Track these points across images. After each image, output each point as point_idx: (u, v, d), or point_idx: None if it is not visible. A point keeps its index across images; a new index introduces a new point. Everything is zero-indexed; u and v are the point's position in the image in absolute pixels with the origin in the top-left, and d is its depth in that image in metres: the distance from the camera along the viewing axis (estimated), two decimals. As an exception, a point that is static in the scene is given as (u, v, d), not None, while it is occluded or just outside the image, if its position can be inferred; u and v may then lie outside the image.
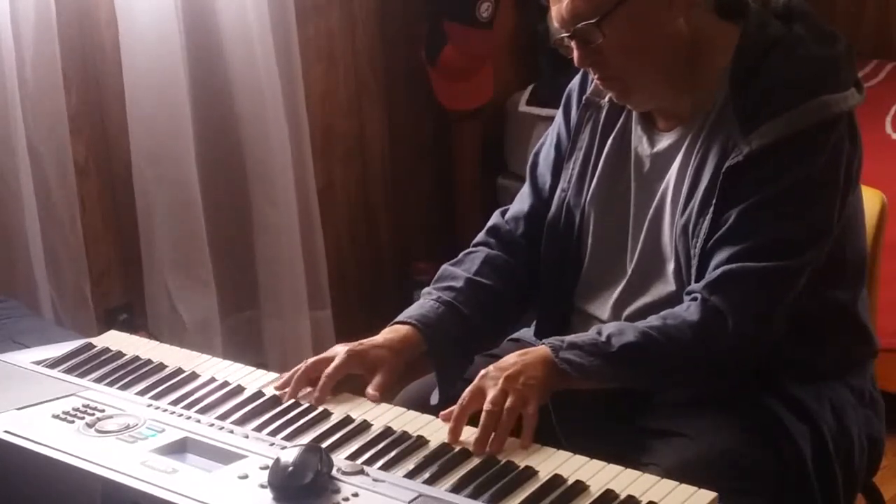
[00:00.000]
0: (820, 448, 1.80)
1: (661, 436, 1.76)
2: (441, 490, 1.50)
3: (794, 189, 1.74)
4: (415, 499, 1.48)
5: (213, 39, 3.22)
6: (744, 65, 1.78)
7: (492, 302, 1.97)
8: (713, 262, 1.76)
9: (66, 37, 2.99)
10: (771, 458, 1.76)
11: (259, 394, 1.78)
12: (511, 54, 4.07)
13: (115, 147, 3.18)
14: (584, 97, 1.97)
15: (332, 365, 1.79)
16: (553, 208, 1.98)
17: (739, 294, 1.73)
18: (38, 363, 1.93)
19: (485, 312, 1.95)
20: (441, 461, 1.57)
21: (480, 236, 2.06)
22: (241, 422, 1.70)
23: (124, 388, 1.83)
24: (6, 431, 1.67)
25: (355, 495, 1.49)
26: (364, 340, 1.84)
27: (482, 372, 1.70)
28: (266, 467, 1.53)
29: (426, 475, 1.54)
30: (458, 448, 1.60)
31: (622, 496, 1.48)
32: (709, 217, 1.76)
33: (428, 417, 1.69)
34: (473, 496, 1.48)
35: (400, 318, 1.90)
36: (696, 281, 1.78)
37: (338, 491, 1.49)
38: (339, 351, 1.81)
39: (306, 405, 1.74)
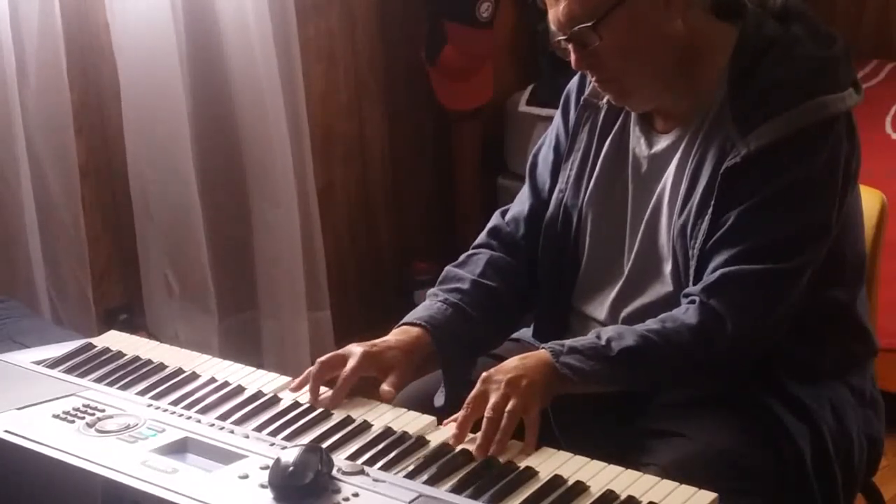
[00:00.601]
0: (820, 448, 1.80)
1: (661, 436, 1.76)
2: (441, 490, 1.50)
3: (792, 189, 1.74)
4: (415, 499, 1.48)
5: (213, 39, 3.22)
6: (741, 65, 1.78)
7: (496, 304, 1.97)
8: (711, 264, 1.76)
9: (68, 38, 2.99)
10: (771, 458, 1.76)
11: (259, 394, 1.78)
12: (511, 54, 4.07)
13: (116, 147, 3.18)
14: (582, 98, 1.97)
15: (349, 366, 1.78)
16: (551, 209, 1.99)
17: (738, 296, 1.73)
18: (38, 363, 1.93)
19: (490, 314, 1.95)
20: (441, 461, 1.57)
21: (482, 238, 2.06)
22: (242, 422, 1.70)
23: (124, 388, 1.83)
24: (6, 431, 1.67)
25: (355, 495, 1.49)
26: (377, 341, 1.83)
27: (483, 375, 1.70)
28: (266, 467, 1.53)
29: (426, 475, 1.54)
30: (458, 449, 1.60)
31: (622, 497, 1.48)
32: (707, 218, 1.76)
33: (428, 418, 1.69)
34: (474, 496, 1.48)
35: (408, 319, 1.90)
36: (695, 282, 1.78)
37: (338, 491, 1.49)
38: (355, 351, 1.80)
39: (306, 405, 1.74)
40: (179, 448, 1.63)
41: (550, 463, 1.56)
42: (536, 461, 1.56)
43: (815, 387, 1.83)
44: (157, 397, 1.79)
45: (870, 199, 2.00)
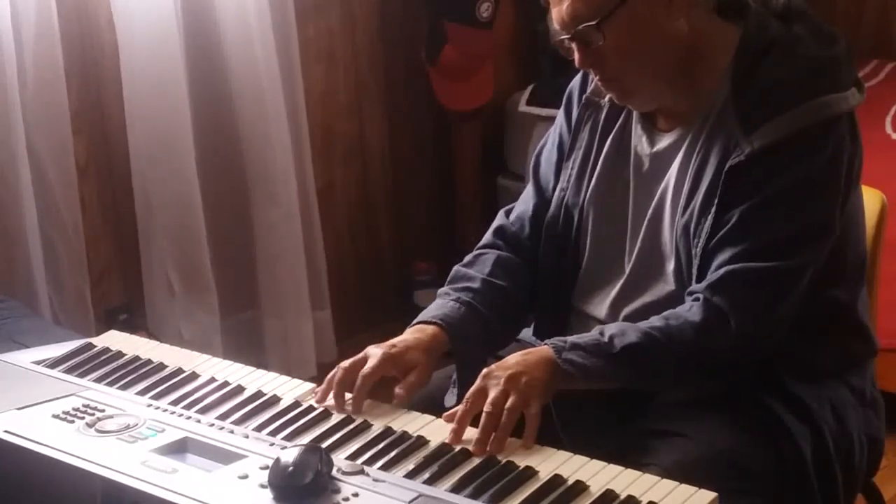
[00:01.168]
0: (820, 448, 1.80)
1: (661, 436, 1.76)
2: (441, 490, 1.50)
3: (795, 189, 1.74)
4: (415, 499, 1.48)
5: (213, 39, 3.22)
6: (744, 65, 1.78)
7: (506, 303, 1.97)
8: (715, 263, 1.76)
9: (67, 37, 2.99)
10: (771, 458, 1.76)
11: (259, 393, 1.77)
12: (511, 54, 4.07)
13: (116, 147, 3.18)
14: (584, 97, 1.97)
15: (369, 366, 1.76)
16: (552, 208, 1.99)
17: (741, 294, 1.73)
18: (38, 363, 1.93)
19: (500, 313, 1.95)
20: (441, 461, 1.57)
21: (488, 238, 2.05)
22: (241, 422, 1.70)
23: (124, 388, 1.83)
24: (6, 431, 1.67)
25: (355, 495, 1.49)
26: (396, 341, 1.82)
27: (484, 371, 1.70)
28: (266, 467, 1.53)
29: (426, 475, 1.54)
30: (458, 448, 1.60)
31: (622, 496, 1.48)
32: (710, 217, 1.76)
33: (428, 417, 1.69)
34: (473, 496, 1.48)
35: (423, 317, 1.89)
36: (698, 281, 1.78)
37: (338, 491, 1.49)
38: (375, 353, 1.79)
39: (306, 405, 1.74)
40: (179, 448, 1.63)
41: (550, 462, 1.56)
42: (536, 460, 1.56)
43: (815, 387, 1.83)
44: (157, 397, 1.79)
45: (870, 199, 2.00)
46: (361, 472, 1.54)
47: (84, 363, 1.92)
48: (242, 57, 3.23)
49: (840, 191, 1.78)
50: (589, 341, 1.73)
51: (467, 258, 2.03)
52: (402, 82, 3.85)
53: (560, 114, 2.03)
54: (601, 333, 1.75)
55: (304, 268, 3.42)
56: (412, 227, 3.99)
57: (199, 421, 1.70)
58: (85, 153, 3.12)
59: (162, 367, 1.89)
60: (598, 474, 1.52)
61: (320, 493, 1.48)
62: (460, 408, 1.66)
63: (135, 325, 3.14)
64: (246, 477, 1.53)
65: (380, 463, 1.57)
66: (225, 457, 1.59)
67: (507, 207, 2.10)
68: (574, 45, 1.81)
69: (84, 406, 1.74)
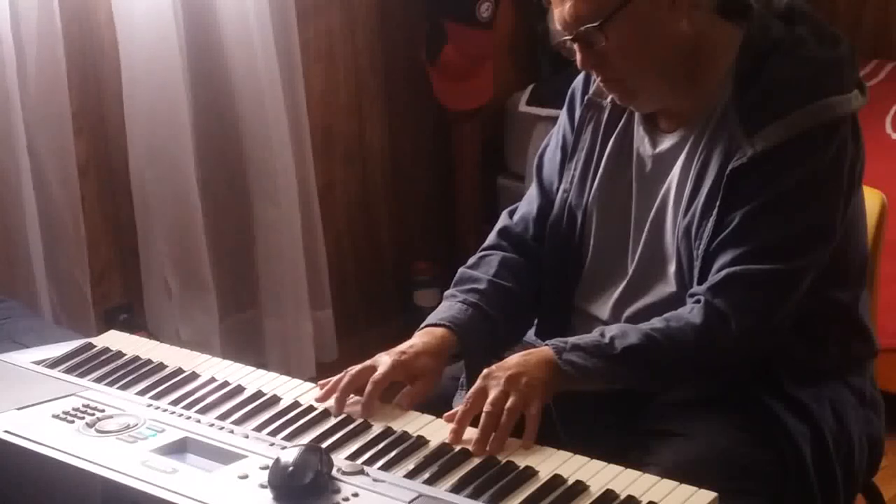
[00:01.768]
0: (820, 448, 1.80)
1: (661, 436, 1.76)
2: (441, 490, 1.50)
3: (797, 191, 1.74)
4: (415, 499, 1.48)
5: (213, 39, 3.22)
6: (746, 66, 1.78)
7: (513, 304, 1.96)
8: (716, 264, 1.76)
9: (68, 37, 2.99)
10: (771, 458, 1.76)
11: (259, 393, 1.77)
12: (511, 54, 4.07)
13: (116, 147, 3.18)
14: (586, 97, 1.97)
15: (379, 372, 1.76)
16: (555, 208, 1.98)
17: (743, 296, 1.73)
18: (38, 363, 1.93)
19: (507, 314, 1.95)
20: (441, 461, 1.57)
21: (492, 239, 2.05)
22: (241, 422, 1.70)
23: (124, 388, 1.83)
24: (6, 431, 1.67)
25: (355, 495, 1.49)
26: (405, 348, 1.81)
27: (484, 372, 1.70)
28: (266, 467, 1.53)
29: (426, 475, 1.54)
30: (458, 448, 1.60)
31: (622, 496, 1.48)
32: (712, 219, 1.76)
33: (428, 417, 1.69)
34: (473, 496, 1.48)
35: (431, 320, 1.89)
36: (699, 282, 1.78)
37: (338, 491, 1.49)
38: (384, 361, 1.78)
39: (306, 405, 1.74)
40: (179, 448, 1.63)
41: (550, 462, 1.56)
42: (536, 460, 1.56)
43: (815, 387, 1.83)
44: (157, 397, 1.79)
45: (870, 199, 2.00)
46: (361, 472, 1.54)
47: (84, 363, 1.92)
48: (242, 57, 3.23)
49: (842, 193, 1.78)
50: (589, 342, 1.73)
51: (472, 260, 2.02)
52: (402, 82, 3.85)
53: (563, 114, 2.03)
54: (602, 334, 1.75)
55: (304, 268, 3.42)
56: (412, 227, 3.99)
57: (199, 421, 1.70)
58: (85, 153, 3.12)
59: (162, 367, 1.89)
60: (598, 474, 1.52)
61: (320, 493, 1.48)
62: (460, 408, 1.66)
63: (135, 325, 3.14)
64: (246, 477, 1.53)
65: (380, 463, 1.57)
66: (225, 457, 1.59)
67: (510, 208, 2.09)
68: (576, 46, 1.81)
69: (84, 406, 1.74)
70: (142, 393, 1.81)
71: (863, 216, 1.91)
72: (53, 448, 1.62)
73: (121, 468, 1.56)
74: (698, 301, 1.75)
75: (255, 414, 1.72)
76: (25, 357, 1.97)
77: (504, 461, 1.57)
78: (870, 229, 1.99)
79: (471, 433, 1.63)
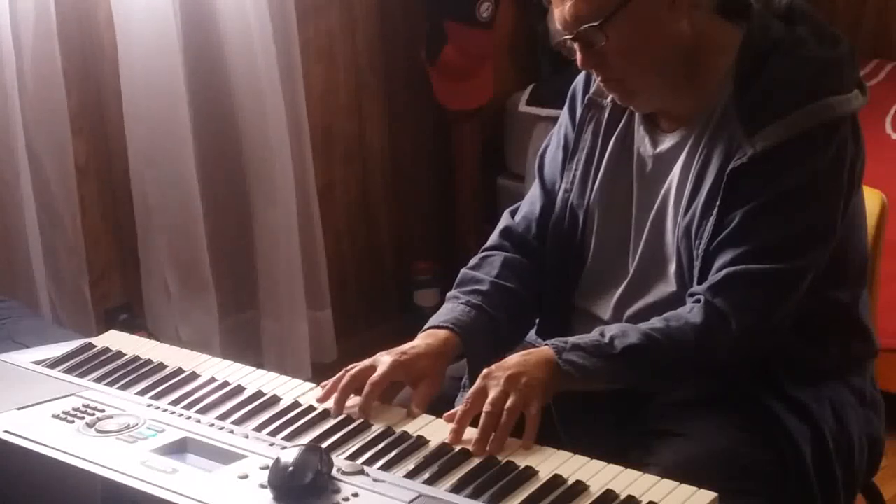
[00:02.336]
0: (820, 448, 1.80)
1: (661, 436, 1.76)
2: (441, 490, 1.50)
3: (797, 191, 1.74)
4: (415, 499, 1.48)
5: (213, 39, 3.22)
6: (747, 66, 1.78)
7: (516, 304, 1.96)
8: (716, 264, 1.76)
9: (66, 37, 2.99)
10: (771, 458, 1.76)
11: (259, 393, 1.77)
12: (511, 54, 4.08)
13: (115, 147, 3.18)
14: (587, 97, 1.97)
15: (378, 374, 1.75)
16: (557, 208, 1.98)
17: (742, 296, 1.73)
18: (38, 363, 1.93)
19: (510, 315, 1.95)
20: (441, 461, 1.57)
21: (494, 239, 2.05)
22: (241, 422, 1.70)
23: (124, 388, 1.83)
24: (6, 431, 1.67)
25: (355, 495, 1.49)
26: (406, 349, 1.81)
27: (484, 372, 1.70)
28: (266, 467, 1.52)
29: (426, 475, 1.54)
30: (458, 448, 1.60)
31: (622, 496, 1.48)
32: (712, 219, 1.76)
33: (428, 417, 1.69)
34: (473, 496, 1.48)
35: (434, 322, 1.88)
36: (699, 282, 1.78)
37: (338, 491, 1.49)
38: (384, 361, 1.78)
39: (306, 405, 1.74)
40: (179, 448, 1.63)
41: (550, 462, 1.56)
42: (536, 461, 1.56)
43: (815, 387, 1.83)
44: (157, 397, 1.79)
45: (870, 199, 2.00)
46: (361, 472, 1.54)
47: (84, 363, 1.92)
48: (242, 57, 3.23)
49: (842, 193, 1.78)
50: (589, 342, 1.73)
51: (474, 260, 2.02)
52: (402, 82, 3.85)
53: (564, 113, 2.03)
54: (602, 334, 1.75)
55: (303, 268, 3.42)
56: (412, 227, 3.99)
57: (199, 421, 1.70)
58: (84, 153, 3.12)
59: (162, 367, 1.89)
60: (598, 474, 1.52)
61: (320, 493, 1.48)
62: (460, 408, 1.66)
63: (135, 325, 3.14)
64: (246, 477, 1.53)
65: (380, 463, 1.57)
66: (225, 457, 1.59)
67: (511, 208, 2.09)
68: (576, 46, 1.81)
69: (84, 406, 1.74)
70: (142, 393, 1.81)
71: (863, 216, 1.91)
72: (53, 448, 1.62)
73: (121, 468, 1.56)
74: (698, 300, 1.75)
75: (255, 414, 1.72)
76: (25, 357, 1.97)
77: (504, 461, 1.57)
78: (870, 229, 1.99)
79: (471, 433, 1.63)
